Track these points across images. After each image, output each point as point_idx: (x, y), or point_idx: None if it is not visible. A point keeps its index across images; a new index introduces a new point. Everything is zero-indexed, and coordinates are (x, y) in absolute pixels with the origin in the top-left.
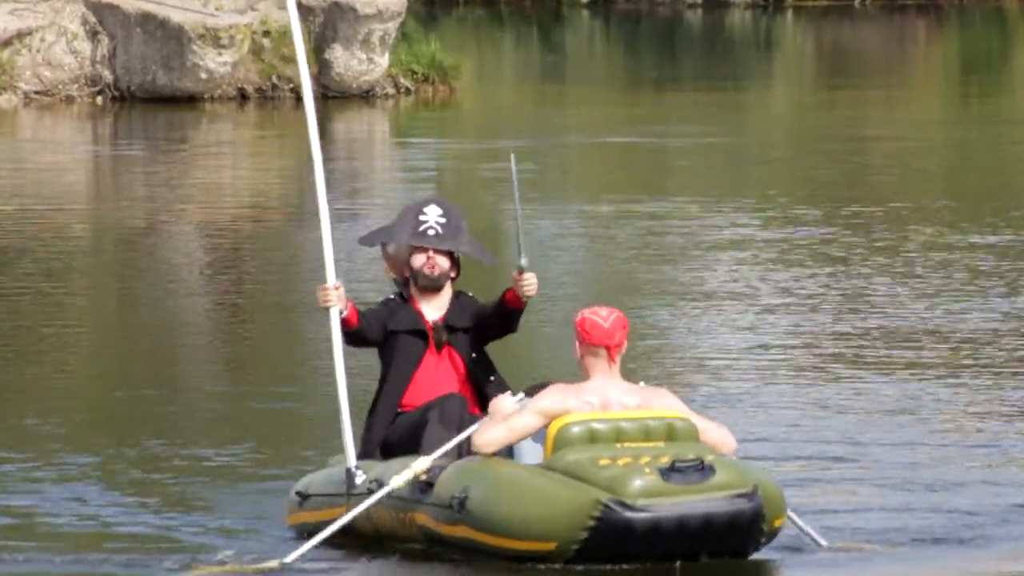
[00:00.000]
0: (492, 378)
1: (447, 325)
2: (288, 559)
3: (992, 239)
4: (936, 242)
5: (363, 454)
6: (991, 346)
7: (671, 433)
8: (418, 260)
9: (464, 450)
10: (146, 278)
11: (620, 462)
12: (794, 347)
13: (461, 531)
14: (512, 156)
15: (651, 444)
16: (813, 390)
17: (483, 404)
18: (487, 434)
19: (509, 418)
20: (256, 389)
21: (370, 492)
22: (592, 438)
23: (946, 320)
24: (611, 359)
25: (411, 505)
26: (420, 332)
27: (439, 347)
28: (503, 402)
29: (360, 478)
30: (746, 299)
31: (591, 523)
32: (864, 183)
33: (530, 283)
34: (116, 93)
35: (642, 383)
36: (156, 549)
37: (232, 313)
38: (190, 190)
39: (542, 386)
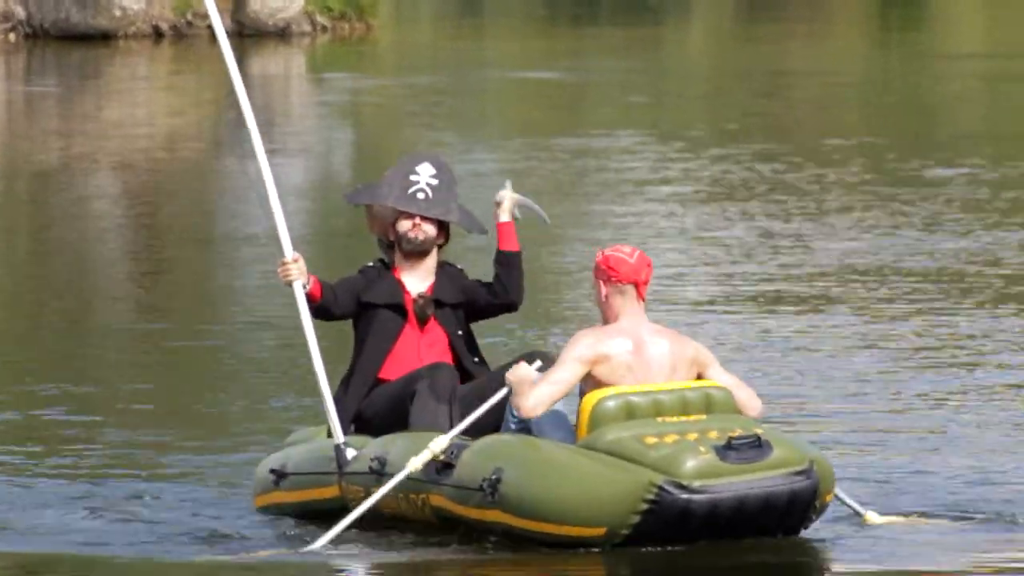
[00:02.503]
0: (476, 359)
1: (434, 299)
2: (316, 545)
3: (923, 173)
4: (868, 177)
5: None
6: (929, 279)
7: (709, 404)
8: (404, 225)
9: (456, 417)
10: (61, 212)
11: (668, 440)
12: (722, 282)
13: (493, 515)
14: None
15: (692, 418)
16: (748, 324)
17: (466, 382)
18: (532, 397)
19: (547, 375)
20: (175, 327)
21: (371, 471)
22: (629, 412)
23: (883, 255)
24: (639, 296)
25: (425, 486)
26: (399, 306)
27: (422, 322)
28: (522, 370)
29: (351, 454)
30: (669, 234)
31: (645, 507)
32: (791, 118)
33: (502, 195)
34: (29, 30)
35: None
36: (59, 493)
37: (148, 248)
38: (105, 126)
39: (532, 355)
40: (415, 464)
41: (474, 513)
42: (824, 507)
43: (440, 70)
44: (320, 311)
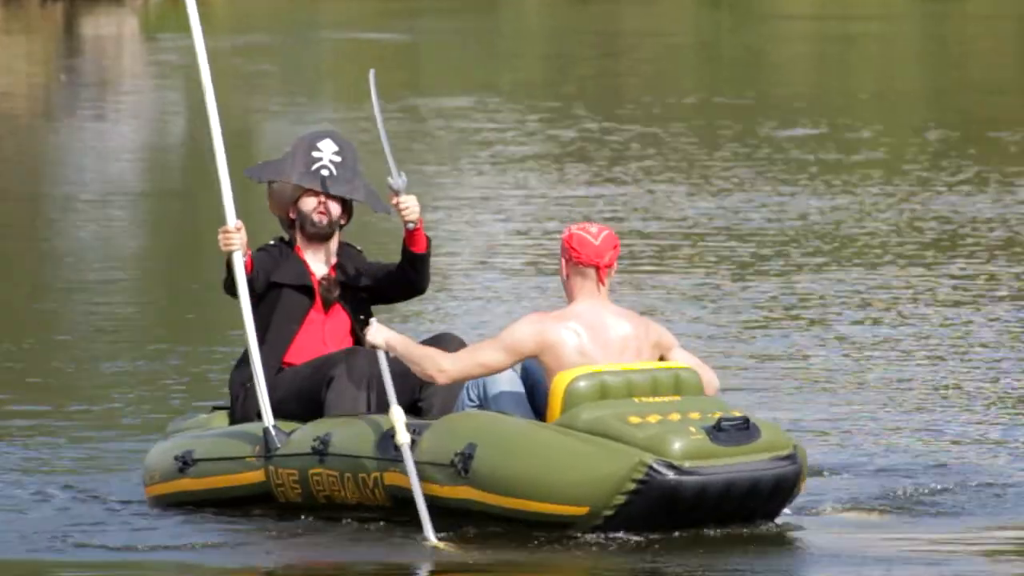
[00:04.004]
0: None
1: (339, 282)
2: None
3: (763, 133)
4: (710, 137)
5: (239, 415)
6: (772, 239)
7: (678, 385)
8: (308, 204)
9: (375, 404)
10: None
11: (651, 419)
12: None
13: (463, 492)
14: (371, 72)
15: (667, 399)
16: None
17: None
18: (455, 365)
19: (476, 351)
20: (0, 289)
21: (314, 452)
22: (603, 392)
23: (725, 215)
24: (600, 281)
25: (379, 464)
26: (307, 287)
27: (327, 305)
28: (374, 328)
29: (280, 440)
30: (508, 196)
31: (632, 486)
32: (629, 79)
33: (407, 206)
34: None
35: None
36: None
37: None
38: None
39: (440, 338)
40: (404, 438)
41: (441, 491)
42: (798, 494)
43: (275, 31)
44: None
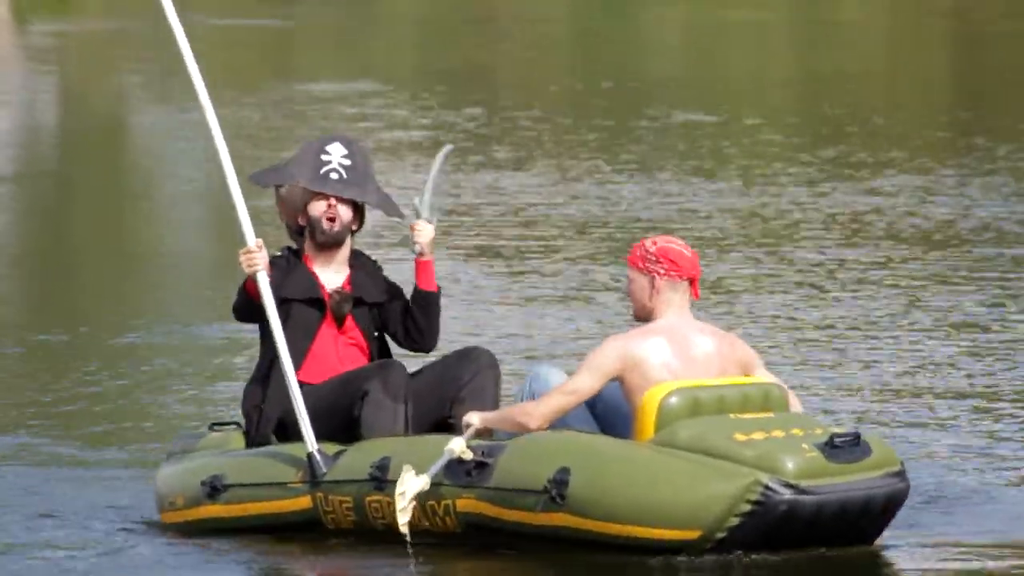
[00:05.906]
0: None
1: (354, 297)
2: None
3: (644, 119)
4: (590, 123)
5: (256, 436)
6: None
7: (767, 401)
8: (317, 207)
9: (412, 418)
10: None
11: (756, 436)
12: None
13: (559, 519)
14: (448, 147)
15: (762, 415)
16: (456, 275)
17: None
18: (542, 407)
19: (560, 385)
20: None
21: (372, 478)
22: (695, 408)
23: (597, 205)
24: (694, 294)
25: (450, 490)
26: (317, 301)
27: (340, 321)
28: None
29: (326, 464)
30: (392, 187)
31: (747, 507)
32: (508, 64)
33: (420, 231)
34: None
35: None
36: None
37: None
38: None
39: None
40: (446, 458)
41: (532, 517)
42: None
43: (146, 16)
44: (256, 308)
